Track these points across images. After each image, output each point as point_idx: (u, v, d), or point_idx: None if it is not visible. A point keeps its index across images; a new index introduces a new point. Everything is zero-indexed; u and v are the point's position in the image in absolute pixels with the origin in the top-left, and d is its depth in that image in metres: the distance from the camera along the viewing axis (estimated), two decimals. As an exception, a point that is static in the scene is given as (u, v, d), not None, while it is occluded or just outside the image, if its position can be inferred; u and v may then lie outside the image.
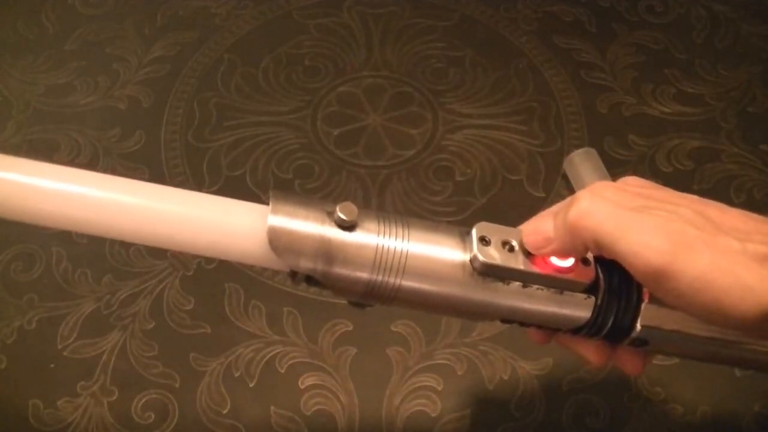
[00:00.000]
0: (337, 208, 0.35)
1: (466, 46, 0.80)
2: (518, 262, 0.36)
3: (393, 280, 0.35)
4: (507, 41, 0.81)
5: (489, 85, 0.77)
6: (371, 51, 0.80)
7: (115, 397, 0.57)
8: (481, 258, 0.35)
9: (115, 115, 0.75)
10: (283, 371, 0.59)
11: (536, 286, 0.36)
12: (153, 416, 0.57)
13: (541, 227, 0.36)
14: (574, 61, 0.78)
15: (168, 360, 0.59)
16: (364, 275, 0.35)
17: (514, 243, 0.36)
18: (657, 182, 0.69)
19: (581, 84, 0.77)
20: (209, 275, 0.64)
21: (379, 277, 0.35)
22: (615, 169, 0.69)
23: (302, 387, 0.58)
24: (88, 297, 0.62)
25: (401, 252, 0.35)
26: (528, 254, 0.36)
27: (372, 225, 0.35)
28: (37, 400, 0.57)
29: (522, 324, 0.39)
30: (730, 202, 0.67)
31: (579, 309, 0.37)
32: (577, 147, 0.70)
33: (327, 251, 0.35)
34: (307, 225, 0.35)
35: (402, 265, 0.35)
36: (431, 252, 0.36)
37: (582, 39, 0.80)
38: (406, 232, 0.36)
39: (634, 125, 0.73)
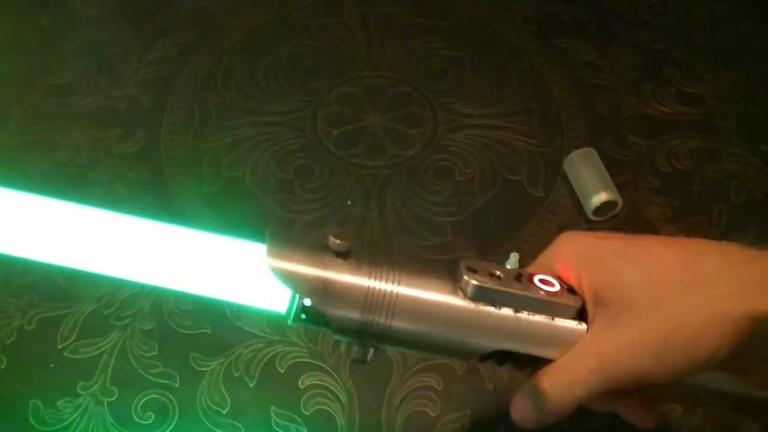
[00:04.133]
0: (330, 238, 0.35)
1: (466, 46, 0.80)
2: (508, 286, 0.36)
3: (384, 321, 0.36)
4: (507, 41, 0.81)
5: (489, 85, 0.77)
6: (371, 51, 0.80)
7: (115, 397, 0.57)
8: (472, 282, 0.35)
9: (115, 115, 0.74)
10: (283, 371, 0.59)
11: (527, 312, 0.36)
12: (153, 416, 0.57)
13: None
14: (574, 61, 0.78)
15: (168, 360, 0.59)
16: (356, 315, 0.36)
17: (500, 273, 0.36)
18: (657, 182, 0.69)
19: (581, 84, 0.77)
20: (209, 275, 0.64)
21: (372, 317, 0.36)
22: (615, 169, 0.69)
23: (302, 387, 0.58)
24: (88, 297, 0.62)
25: (393, 289, 0.36)
26: (516, 281, 0.36)
27: (363, 264, 0.36)
28: (37, 400, 0.57)
29: (517, 363, 0.39)
30: (730, 202, 0.68)
31: (572, 336, 0.37)
32: (577, 147, 0.70)
33: (324, 288, 0.35)
34: (303, 267, 0.35)
35: (393, 300, 0.36)
36: (422, 286, 0.36)
37: (582, 39, 0.80)
38: (397, 274, 0.36)
39: (634, 125, 0.73)
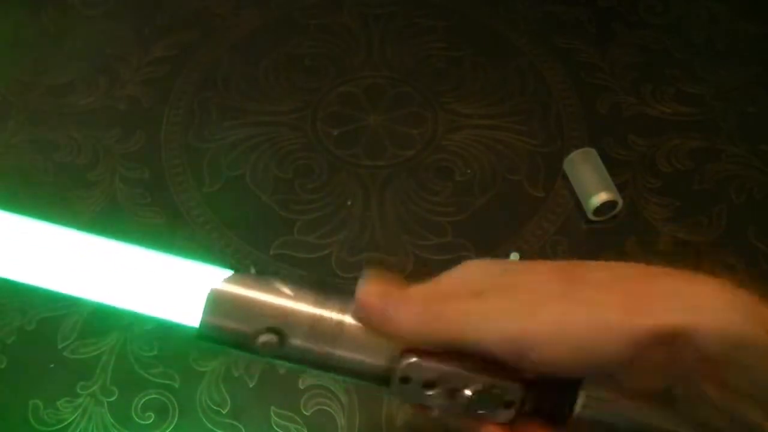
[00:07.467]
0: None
1: (466, 46, 0.80)
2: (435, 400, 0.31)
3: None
4: (507, 41, 0.81)
5: (489, 85, 0.77)
6: (371, 51, 0.80)
7: (115, 397, 0.57)
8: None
9: (115, 115, 0.74)
10: (283, 371, 0.59)
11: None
12: (153, 416, 0.57)
13: None
14: (574, 61, 0.78)
15: (168, 360, 0.59)
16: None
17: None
18: (657, 182, 0.69)
19: (581, 84, 0.77)
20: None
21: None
22: (615, 169, 0.69)
23: (302, 387, 0.58)
24: (88, 297, 0.62)
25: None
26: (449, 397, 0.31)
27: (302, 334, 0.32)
28: (37, 400, 0.57)
29: None
30: (730, 202, 0.68)
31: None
32: (577, 147, 0.70)
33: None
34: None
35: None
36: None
37: (582, 39, 0.80)
38: (339, 335, 0.32)
39: (634, 125, 0.73)
